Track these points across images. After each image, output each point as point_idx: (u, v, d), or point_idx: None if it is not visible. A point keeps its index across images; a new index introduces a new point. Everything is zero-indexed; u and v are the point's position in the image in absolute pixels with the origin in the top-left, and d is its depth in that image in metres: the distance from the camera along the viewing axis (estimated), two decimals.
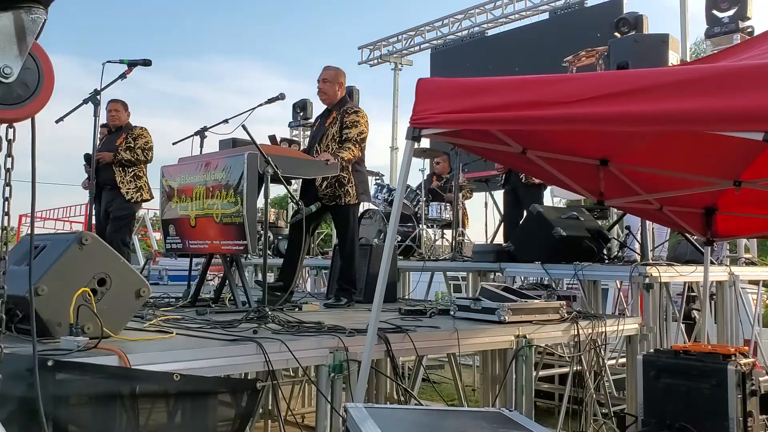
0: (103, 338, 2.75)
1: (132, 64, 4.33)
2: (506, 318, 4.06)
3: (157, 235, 16.44)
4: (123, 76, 4.30)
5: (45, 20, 1.33)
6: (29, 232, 1.70)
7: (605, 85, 2.52)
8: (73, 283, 2.89)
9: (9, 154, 1.39)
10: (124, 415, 2.67)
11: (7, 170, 1.37)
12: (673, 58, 5.94)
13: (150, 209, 18.67)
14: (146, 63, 4.38)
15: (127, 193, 6.89)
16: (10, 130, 1.40)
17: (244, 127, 3.98)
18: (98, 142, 5.49)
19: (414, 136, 3.11)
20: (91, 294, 2.93)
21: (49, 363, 2.38)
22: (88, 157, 6.80)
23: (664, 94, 2.34)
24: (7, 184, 1.37)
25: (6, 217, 1.39)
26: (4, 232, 1.41)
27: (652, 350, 4.25)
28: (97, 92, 4.28)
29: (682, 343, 5.60)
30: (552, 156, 3.92)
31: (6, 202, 1.37)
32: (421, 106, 3.09)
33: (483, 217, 9.50)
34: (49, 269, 2.88)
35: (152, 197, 7.22)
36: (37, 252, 3.10)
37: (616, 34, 7.57)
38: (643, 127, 2.84)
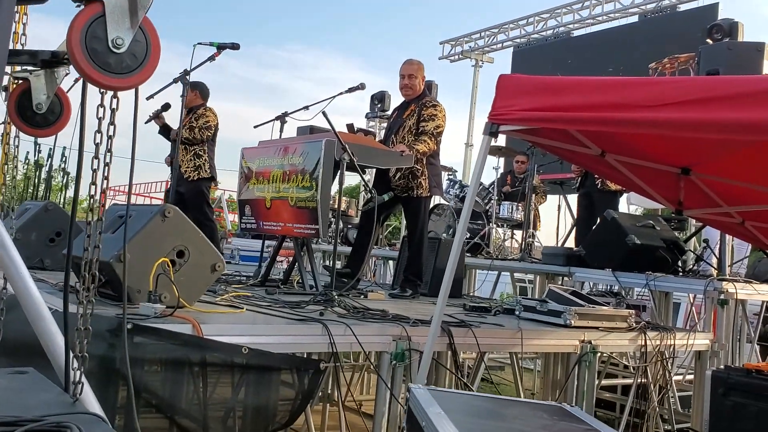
0: (179, 308, 2.88)
1: (221, 47, 4.47)
2: (572, 322, 4.01)
3: (231, 216, 16.85)
4: (212, 58, 4.45)
5: None
6: (115, 202, 1.82)
7: (693, 89, 2.46)
8: (154, 252, 3.03)
9: (112, 122, 1.49)
10: (192, 383, 2.79)
11: (110, 137, 1.47)
12: None
13: (226, 190, 19.20)
14: (234, 46, 4.51)
15: (185, 172, 6.83)
16: (114, 99, 1.50)
17: (324, 113, 4.06)
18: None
19: (492, 131, 3.11)
20: (170, 264, 3.07)
21: (129, 326, 2.51)
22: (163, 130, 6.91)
23: (757, 102, 2.27)
24: (109, 150, 1.47)
25: (106, 181, 1.49)
26: (103, 194, 1.51)
27: (722, 367, 4.11)
28: (186, 72, 4.45)
29: (756, 360, 5.41)
30: (631, 161, 3.84)
31: (107, 167, 1.47)
32: (501, 102, 3.09)
33: (555, 219, 9.37)
34: (133, 238, 3.02)
35: (212, 177, 7.13)
36: (122, 221, 3.26)
37: (708, 40, 7.31)
38: (733, 135, 2.76)
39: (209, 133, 6.89)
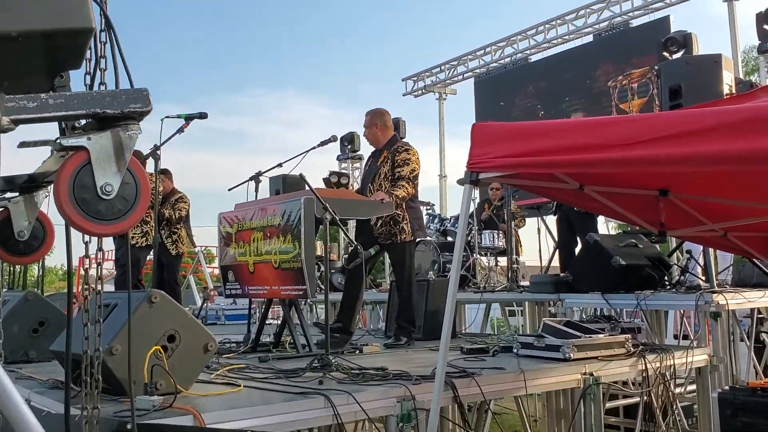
0: (177, 394, 2.81)
1: (189, 118, 4.44)
2: (571, 355, 4.00)
3: (211, 270, 16.74)
4: (181, 130, 4.42)
5: (140, 133, 1.41)
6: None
7: (666, 125, 2.48)
8: (145, 341, 2.96)
9: (100, 248, 1.46)
10: None
11: (99, 264, 1.44)
12: (727, 78, 5.82)
13: (203, 246, 19.04)
14: (202, 116, 4.49)
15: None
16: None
17: (302, 177, 4.05)
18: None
19: (472, 180, 3.12)
20: (162, 351, 3.00)
21: (129, 426, 2.44)
22: None
23: (725, 133, 2.30)
24: (99, 278, 1.44)
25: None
26: (99, 295, 1.47)
27: (726, 387, 4.11)
28: (156, 147, 4.41)
29: (753, 371, 5.42)
30: (609, 190, 3.87)
31: (98, 295, 1.44)
32: (477, 150, 3.10)
33: (536, 242, 9.40)
34: (121, 329, 2.96)
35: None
36: (108, 311, 3.19)
37: (665, 53, 7.47)
38: (709, 168, 2.79)
39: (183, 215, 8.14)
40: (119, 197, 1.44)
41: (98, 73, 1.45)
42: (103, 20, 1.43)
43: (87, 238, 1.50)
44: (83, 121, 1.43)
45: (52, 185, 1.39)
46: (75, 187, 1.39)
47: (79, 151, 1.45)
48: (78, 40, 1.29)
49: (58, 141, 1.40)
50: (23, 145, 1.48)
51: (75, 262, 1.74)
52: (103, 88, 1.44)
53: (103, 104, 1.38)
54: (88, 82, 1.46)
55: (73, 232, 1.55)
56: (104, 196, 1.42)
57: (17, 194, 1.85)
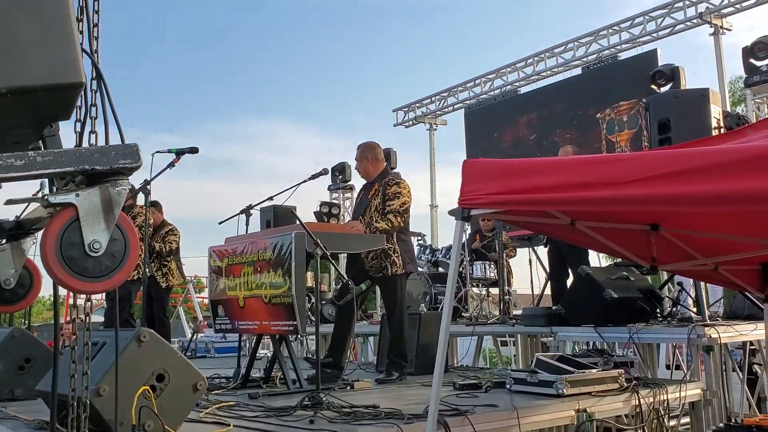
0: None
1: (180, 153, 4.44)
2: (565, 391, 3.97)
3: (201, 300, 16.64)
4: (172, 164, 4.41)
5: (129, 188, 1.39)
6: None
7: (659, 164, 2.49)
8: (133, 380, 2.92)
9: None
10: None
11: (86, 314, 1.42)
12: (715, 112, 5.88)
13: (194, 276, 18.93)
14: (193, 151, 4.49)
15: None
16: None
17: (293, 212, 4.04)
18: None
19: (464, 216, 3.11)
20: (151, 391, 2.96)
21: None
22: None
23: (722, 173, 2.31)
24: (87, 313, 1.41)
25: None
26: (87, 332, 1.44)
27: (721, 424, 4.08)
28: (147, 182, 4.39)
29: (747, 403, 5.40)
30: (601, 225, 3.87)
31: (86, 332, 1.41)
32: (468, 187, 3.10)
33: (528, 273, 9.39)
34: (109, 369, 2.91)
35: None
36: (96, 349, 3.14)
37: (653, 86, 7.55)
38: (701, 208, 2.80)
39: (173, 248, 8.21)
40: (107, 254, 1.41)
41: (89, 121, 1.44)
42: (94, 71, 1.42)
43: None
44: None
45: (40, 236, 1.36)
46: (62, 245, 1.36)
47: (67, 208, 1.42)
48: (68, 95, 1.28)
49: (46, 197, 1.38)
50: (10, 202, 1.46)
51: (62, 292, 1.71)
52: (93, 136, 1.42)
53: (92, 161, 1.36)
54: (78, 129, 1.45)
55: None
56: (92, 254, 1.39)
57: (4, 241, 1.81)
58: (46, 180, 1.57)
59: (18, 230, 1.73)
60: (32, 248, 1.84)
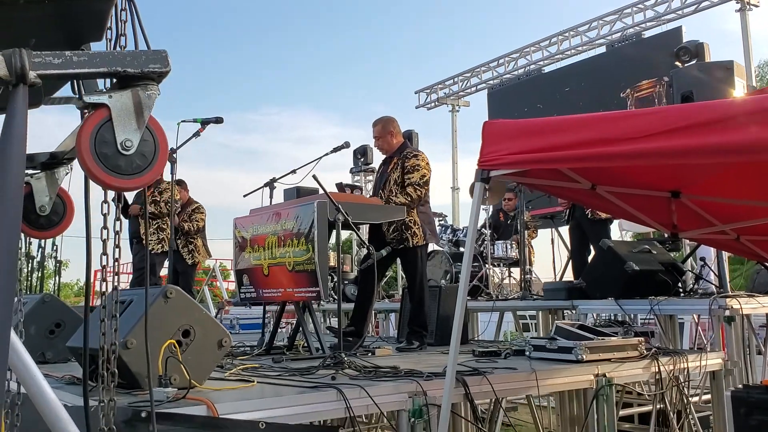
0: (190, 389, 2.84)
1: (205, 123, 4.52)
2: (584, 357, 3.99)
3: (226, 284, 16.80)
4: (197, 134, 4.49)
5: (158, 94, 1.46)
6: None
7: (676, 118, 2.50)
8: (160, 335, 3.00)
9: (118, 218, 1.51)
10: None
11: (117, 233, 1.49)
12: (740, 85, 5.85)
13: (218, 259, 19.15)
14: (218, 120, 4.56)
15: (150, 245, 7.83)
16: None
17: (315, 177, 4.10)
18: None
19: (483, 177, 3.14)
20: (177, 346, 3.04)
21: (143, 414, 2.48)
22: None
23: (738, 124, 2.32)
24: (117, 246, 1.48)
25: (117, 278, 1.49)
26: (115, 291, 1.51)
27: (740, 386, 4.08)
28: (173, 150, 4.48)
29: None
30: (622, 191, 3.88)
31: (116, 263, 1.48)
32: (488, 148, 3.13)
33: (550, 253, 9.39)
34: (137, 323, 3.00)
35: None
36: (124, 306, 3.24)
37: (677, 63, 7.48)
38: (720, 159, 2.80)
39: (200, 225, 8.34)
40: (138, 153, 1.49)
41: (118, 48, 1.50)
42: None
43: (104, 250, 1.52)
44: (102, 87, 1.49)
45: (77, 146, 1.44)
46: (96, 142, 1.44)
47: (101, 108, 1.50)
48: (101, 9, 1.35)
49: (81, 98, 1.45)
50: (48, 101, 1.54)
51: (95, 259, 1.78)
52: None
53: (124, 63, 1.43)
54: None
55: (93, 212, 1.59)
56: (124, 152, 1.47)
57: (39, 171, 1.91)
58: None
59: (52, 160, 1.82)
60: (65, 178, 1.94)
